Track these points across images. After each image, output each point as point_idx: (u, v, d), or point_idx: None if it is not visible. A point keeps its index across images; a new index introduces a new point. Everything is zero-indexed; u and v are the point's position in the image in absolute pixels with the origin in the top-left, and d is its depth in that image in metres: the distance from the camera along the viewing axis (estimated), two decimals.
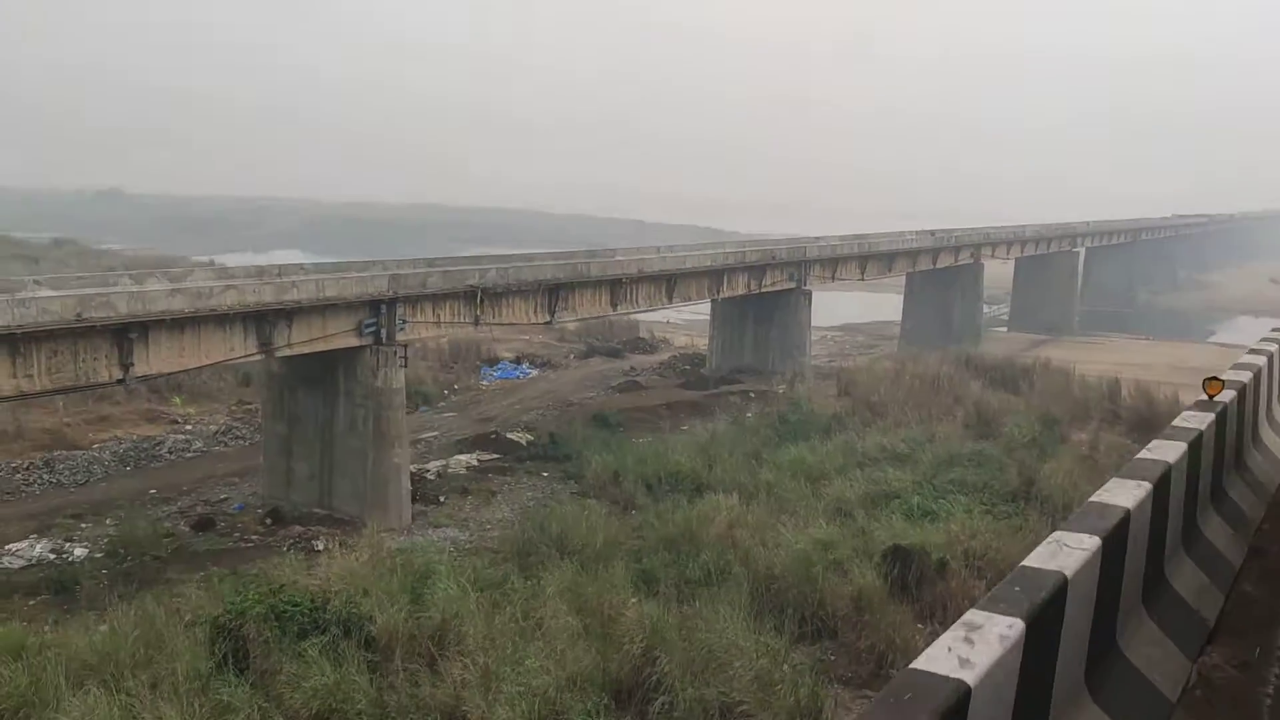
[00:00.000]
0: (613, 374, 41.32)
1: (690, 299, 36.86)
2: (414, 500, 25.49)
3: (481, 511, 25.43)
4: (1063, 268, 72.92)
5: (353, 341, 23.71)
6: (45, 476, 26.60)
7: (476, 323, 27.29)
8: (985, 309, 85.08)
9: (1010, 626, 3.26)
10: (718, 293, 37.37)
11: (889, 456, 27.17)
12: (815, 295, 41.19)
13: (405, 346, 24.60)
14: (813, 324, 76.85)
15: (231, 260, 79.54)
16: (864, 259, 45.82)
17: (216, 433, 31.30)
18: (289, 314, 22.05)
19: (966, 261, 55.95)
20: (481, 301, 26.80)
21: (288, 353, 22.70)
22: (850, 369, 39.35)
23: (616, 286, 31.89)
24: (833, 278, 43.45)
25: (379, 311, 24.02)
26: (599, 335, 48.39)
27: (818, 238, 48.06)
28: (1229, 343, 73.90)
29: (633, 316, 50.00)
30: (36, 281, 20.17)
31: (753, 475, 25.71)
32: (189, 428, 31.99)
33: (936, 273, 55.58)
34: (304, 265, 26.70)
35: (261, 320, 21.55)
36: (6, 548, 21.72)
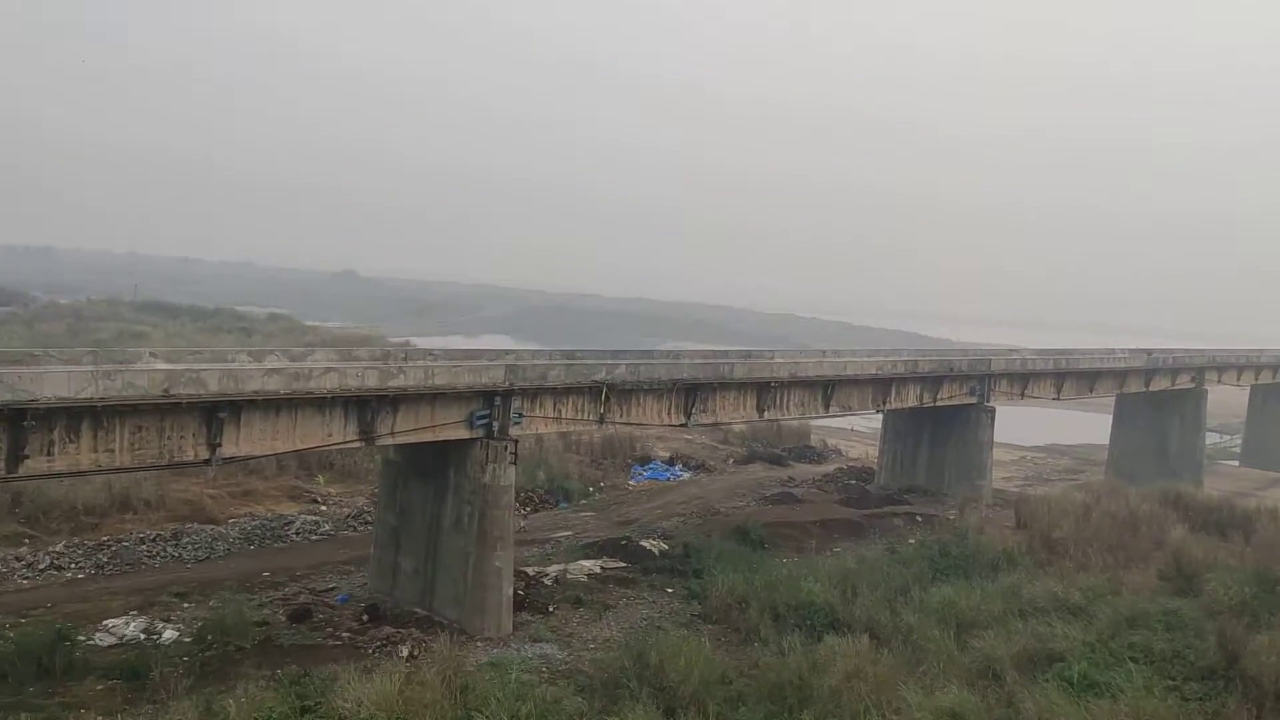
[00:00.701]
0: (770, 483, 38.67)
1: (851, 409, 33.94)
2: (521, 608, 23.80)
3: (589, 627, 23.43)
4: None
5: (462, 434, 22.51)
6: (169, 549, 26.69)
7: (601, 421, 25.63)
8: (1215, 439, 76.51)
9: None
10: (884, 403, 34.30)
11: (1060, 607, 23.28)
12: (1017, 411, 37.22)
13: (516, 442, 23.14)
14: (1012, 442, 71.63)
15: (441, 343, 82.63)
16: (1061, 376, 41.42)
17: (349, 516, 30.89)
18: (394, 401, 21.11)
19: (1186, 386, 49.95)
20: (607, 398, 25.17)
21: (390, 441, 21.74)
22: (1034, 498, 35.03)
23: (765, 390, 29.58)
24: (1022, 394, 39.36)
25: (493, 403, 22.79)
26: (764, 439, 45.91)
27: (1010, 349, 44.10)
28: None
29: (811, 422, 47.26)
30: (153, 354, 20.08)
31: (893, 615, 22.52)
32: (324, 508, 31.80)
33: (1151, 395, 49.91)
34: (502, 350, 25.99)
35: (364, 406, 20.68)
36: (104, 623, 21.47)
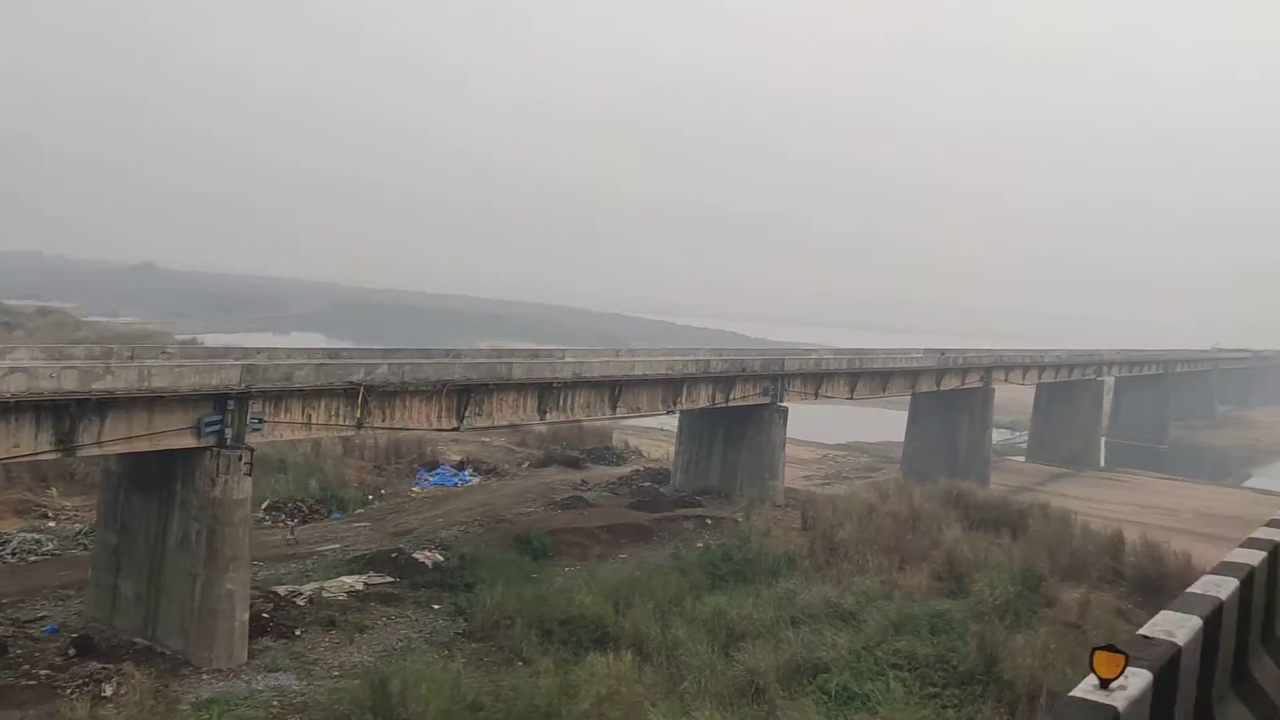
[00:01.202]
0: (563, 487, 37.30)
1: (640, 410, 33.01)
2: (264, 633, 21.50)
3: (337, 652, 21.37)
4: (1087, 397, 68.22)
5: (188, 442, 20.07)
6: None
7: (359, 426, 23.60)
8: (1006, 435, 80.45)
9: None
10: (675, 404, 33.51)
11: (833, 613, 22.83)
12: (824, 408, 37.09)
13: (252, 451, 20.85)
14: (816, 440, 72.87)
15: (247, 340, 77.56)
16: (854, 376, 41.85)
17: (80, 532, 27.60)
18: (100, 405, 18.51)
19: (975, 385, 51.71)
20: (366, 401, 23.15)
21: (96, 452, 19.13)
22: (821, 498, 35.02)
23: (547, 391, 28.17)
24: (816, 394, 39.47)
25: (225, 407, 20.44)
26: (565, 441, 44.55)
27: (808, 349, 44.34)
28: (1266, 489, 68.54)
29: (621, 422, 46.19)
30: None
31: (663, 628, 21.48)
32: (52, 524, 28.39)
33: (944, 395, 51.41)
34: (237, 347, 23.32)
35: (60, 411, 18.01)
36: None
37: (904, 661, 20.03)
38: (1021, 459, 69.90)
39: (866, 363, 42.42)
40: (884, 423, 78.81)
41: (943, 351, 52.32)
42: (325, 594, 24.39)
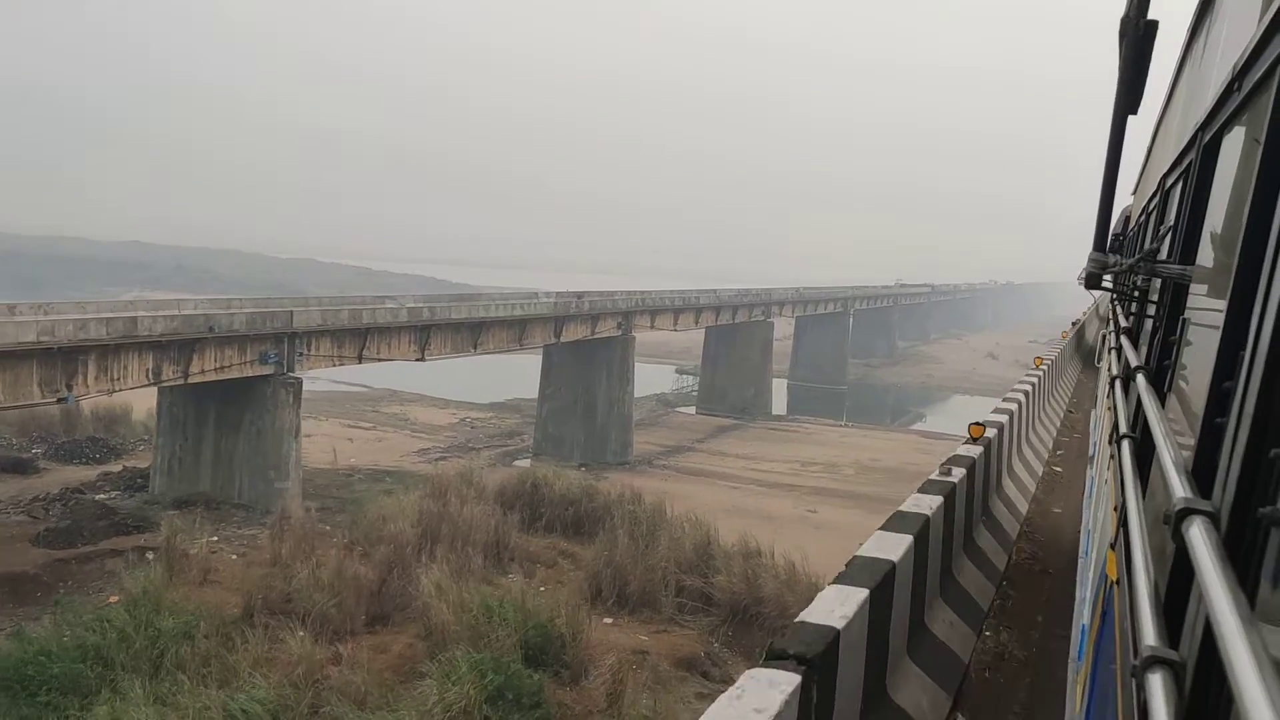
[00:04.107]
0: None
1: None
2: None
3: None
4: (757, 340, 62.42)
5: None
6: None
7: None
8: (688, 383, 74.21)
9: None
10: (87, 383, 22.24)
11: None
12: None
13: None
14: (464, 398, 63.26)
15: None
16: (423, 330, 31.97)
17: None
18: None
19: (610, 333, 43.46)
20: None
21: None
22: (377, 501, 25.12)
23: None
24: (360, 357, 29.30)
25: None
26: (59, 427, 32.25)
27: (325, 299, 33.77)
28: (934, 431, 65.74)
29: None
30: None
31: None
32: None
33: (581, 346, 42.96)
34: None
35: None
36: None
37: None
38: (693, 410, 63.61)
39: (441, 313, 32.56)
40: None
41: (579, 295, 43.64)
42: None
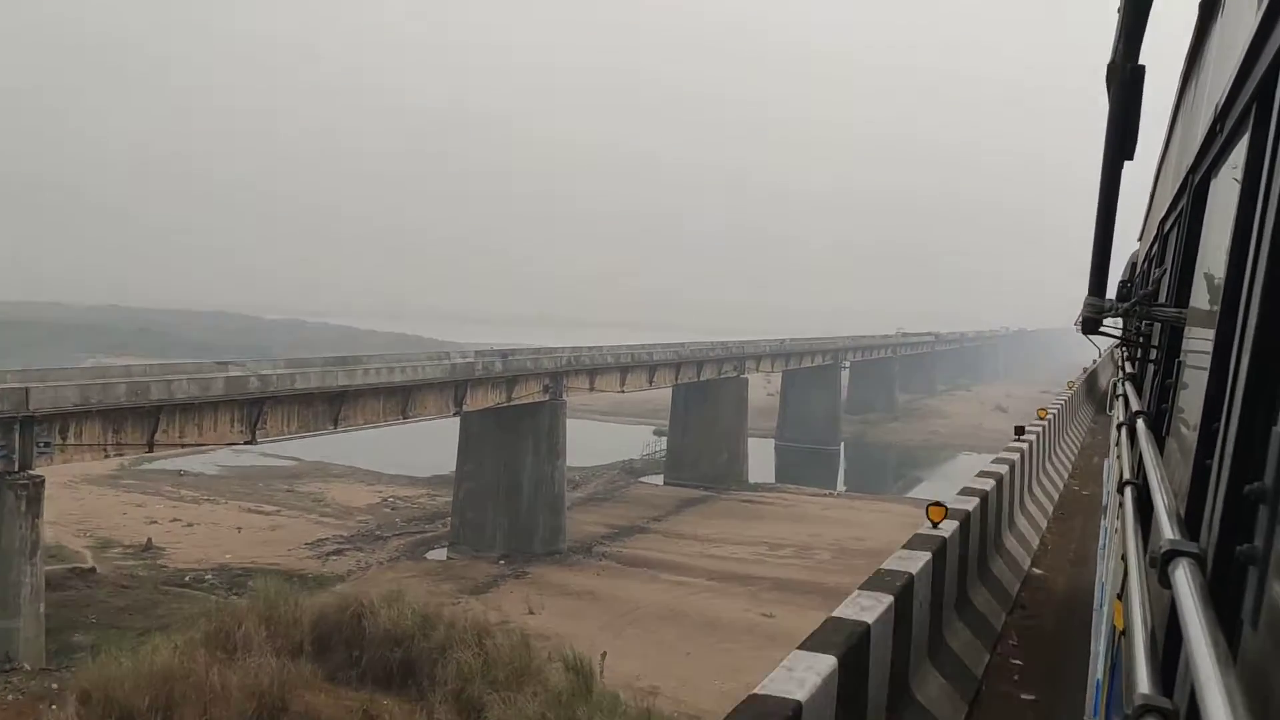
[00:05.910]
0: None
1: None
2: None
3: None
4: (730, 399, 55.50)
5: None
6: None
7: None
8: (661, 445, 66.71)
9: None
10: None
11: None
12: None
13: None
14: (401, 471, 55.94)
15: None
16: (255, 405, 25.14)
17: None
18: None
19: (537, 398, 36.67)
20: None
21: None
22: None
23: None
24: (150, 445, 22.50)
25: None
26: None
27: (99, 369, 27.37)
28: (932, 499, 57.99)
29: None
30: None
31: None
32: None
33: (504, 414, 36.19)
34: None
35: None
36: None
37: None
38: (661, 480, 56.45)
39: (280, 383, 25.67)
40: None
41: (505, 354, 36.90)
42: None
